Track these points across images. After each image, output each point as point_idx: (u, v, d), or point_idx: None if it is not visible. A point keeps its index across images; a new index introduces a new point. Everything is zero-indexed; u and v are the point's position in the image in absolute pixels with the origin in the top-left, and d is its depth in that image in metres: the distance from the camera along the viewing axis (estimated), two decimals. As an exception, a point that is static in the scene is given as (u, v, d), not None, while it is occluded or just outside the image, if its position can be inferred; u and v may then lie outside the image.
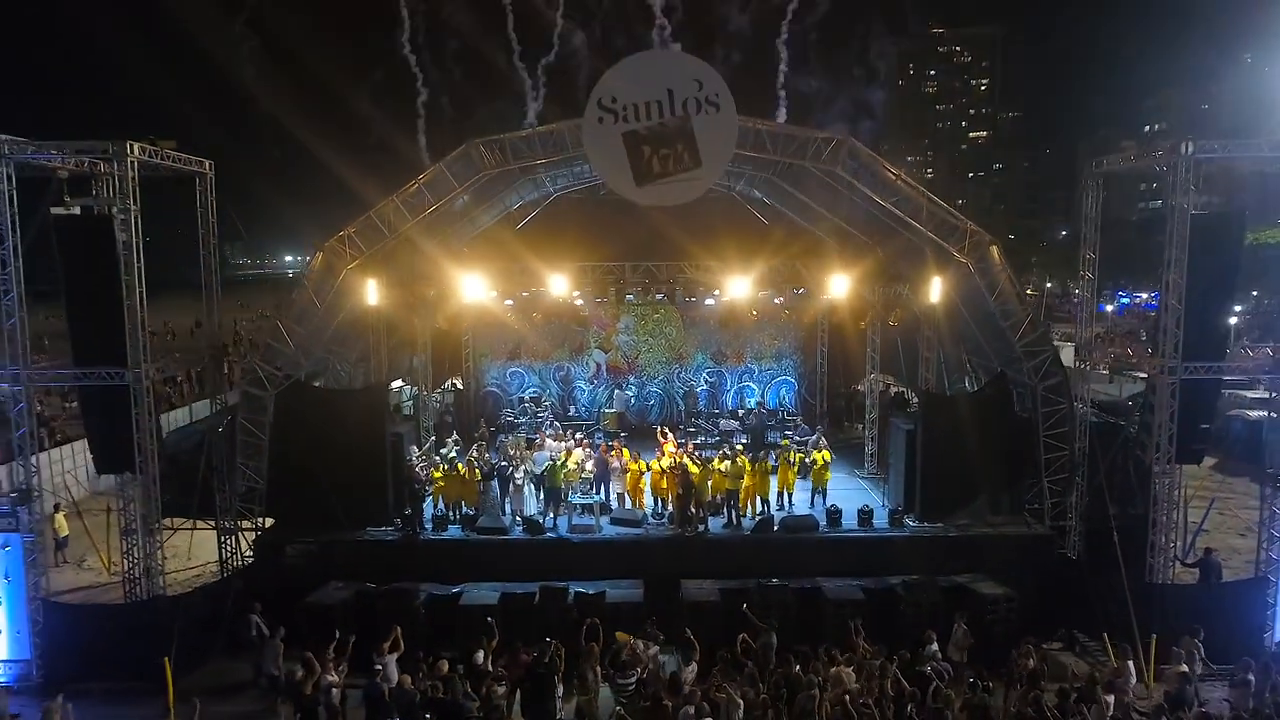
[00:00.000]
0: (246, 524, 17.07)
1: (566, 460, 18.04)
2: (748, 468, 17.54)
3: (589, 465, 18.36)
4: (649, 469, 18.19)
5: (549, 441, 20.01)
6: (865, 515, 17.21)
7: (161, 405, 20.85)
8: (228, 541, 17.03)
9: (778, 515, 17.50)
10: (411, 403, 24.30)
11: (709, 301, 21.82)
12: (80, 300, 14.36)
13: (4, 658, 14.60)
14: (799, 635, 13.70)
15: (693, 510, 16.85)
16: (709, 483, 17.21)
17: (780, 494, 18.31)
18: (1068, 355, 21.80)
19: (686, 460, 17.36)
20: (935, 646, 13.11)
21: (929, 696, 10.97)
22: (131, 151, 13.96)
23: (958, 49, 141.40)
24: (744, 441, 21.66)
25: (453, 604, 15.09)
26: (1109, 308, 63.33)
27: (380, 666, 12.30)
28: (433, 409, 24.00)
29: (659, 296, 21.20)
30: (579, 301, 21.36)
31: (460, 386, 26.23)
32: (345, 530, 16.65)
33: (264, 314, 66.56)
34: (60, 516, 20.03)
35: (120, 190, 14.09)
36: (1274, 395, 15.36)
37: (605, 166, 15.75)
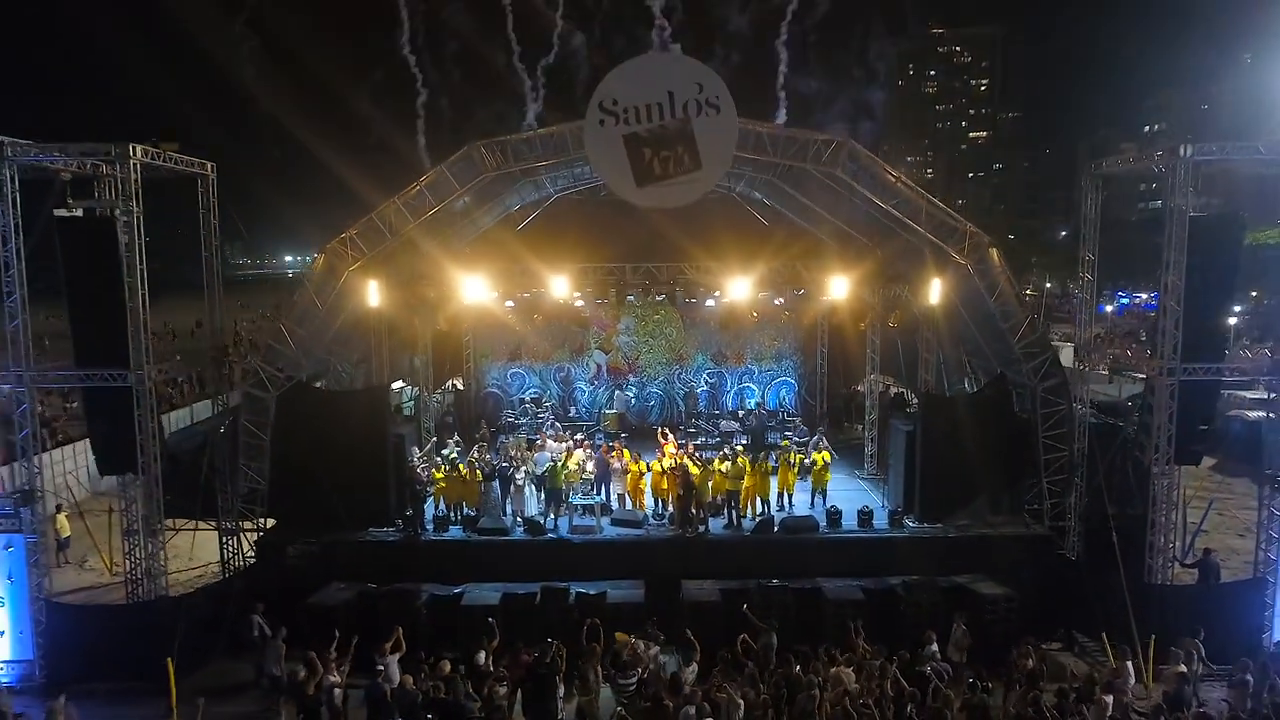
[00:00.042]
0: (248, 525, 17.11)
1: (567, 461, 18.11)
2: (748, 468, 17.59)
3: (589, 466, 18.42)
4: (649, 470, 18.23)
5: (550, 442, 20.06)
6: (865, 516, 17.26)
7: (162, 406, 20.88)
8: (229, 542, 17.08)
9: (778, 516, 17.54)
10: (412, 403, 24.36)
11: (709, 303, 21.88)
12: (83, 302, 14.42)
13: (7, 658, 14.65)
14: (799, 636, 13.72)
15: (693, 511, 16.90)
16: (709, 484, 17.26)
17: (780, 495, 18.35)
18: (1067, 356, 21.87)
19: (687, 461, 17.41)
20: (935, 647, 13.16)
21: (928, 697, 11.02)
22: (134, 154, 14.02)
23: (957, 49, 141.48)
24: (744, 442, 21.72)
25: (454, 604, 15.12)
26: (1109, 308, 63.39)
27: (382, 667, 12.34)
28: (434, 410, 24.04)
29: (660, 298, 21.26)
30: (579, 303, 21.41)
31: (461, 387, 26.28)
32: (347, 531, 16.70)
33: (264, 314, 66.69)
34: (62, 517, 20.08)
35: (123, 192, 14.15)
36: (1272, 396, 15.41)
37: (606, 168, 15.80)
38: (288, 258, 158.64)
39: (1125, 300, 70.34)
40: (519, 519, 17.44)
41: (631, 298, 21.32)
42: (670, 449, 18.92)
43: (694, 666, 12.16)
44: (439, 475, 17.91)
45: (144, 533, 15.23)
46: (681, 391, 26.11)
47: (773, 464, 18.31)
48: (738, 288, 19.08)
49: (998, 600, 14.98)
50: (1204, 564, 15.78)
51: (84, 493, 23.73)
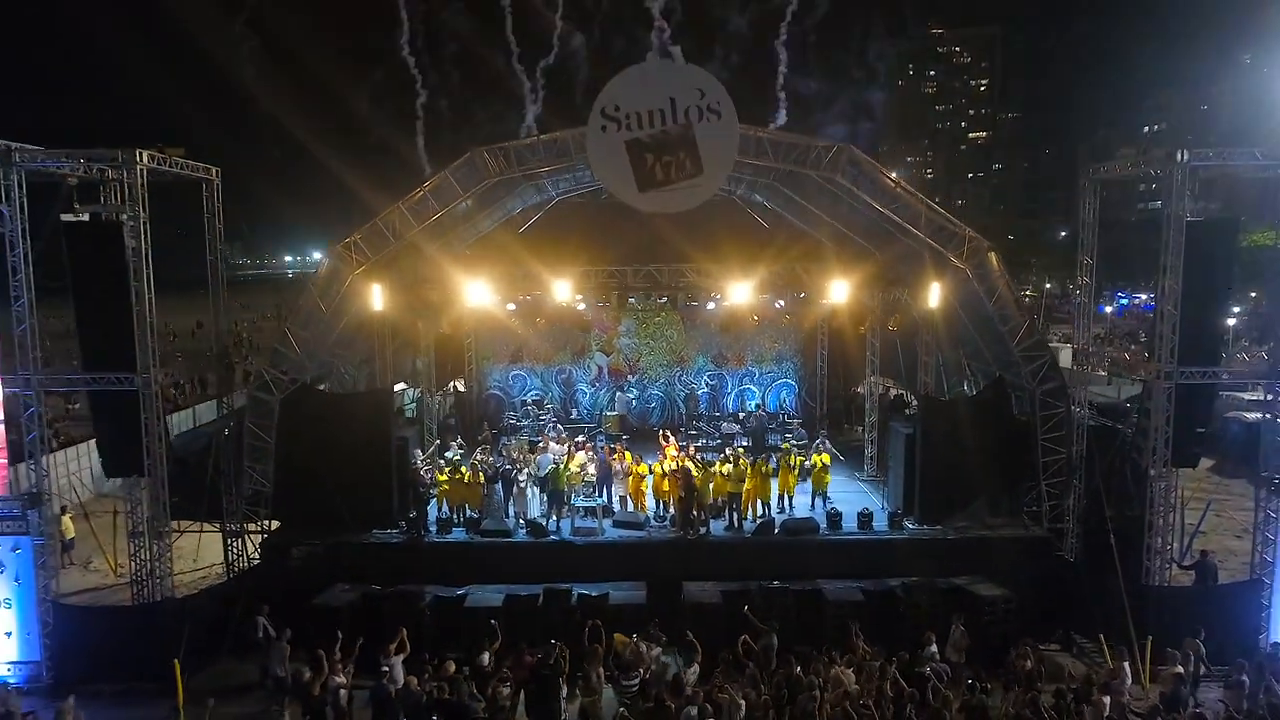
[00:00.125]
0: (252, 526, 17.22)
1: (569, 463, 18.22)
2: (749, 471, 17.71)
3: (591, 468, 18.53)
4: (651, 472, 18.34)
5: (552, 444, 20.17)
6: (865, 518, 17.38)
7: (165, 407, 21.01)
8: (234, 544, 17.20)
9: (778, 518, 17.66)
10: (414, 405, 24.47)
11: (710, 305, 22.01)
12: (89, 305, 14.55)
13: (14, 659, 14.77)
14: (799, 637, 13.83)
15: (695, 513, 17.01)
16: (710, 486, 17.37)
17: (781, 497, 18.47)
18: (1066, 357, 21.98)
19: (688, 463, 17.53)
20: (934, 648, 13.29)
21: (927, 697, 11.14)
22: (141, 159, 14.16)
23: (957, 49, 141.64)
24: (744, 444, 21.86)
25: (457, 606, 15.23)
26: (1108, 309, 63.48)
27: (387, 668, 12.45)
28: (435, 411, 24.16)
29: (661, 299, 21.37)
30: (581, 306, 21.53)
31: (462, 389, 26.39)
32: (350, 533, 16.80)
33: (265, 315, 66.89)
34: (66, 519, 20.19)
35: (130, 197, 14.27)
36: (1269, 398, 15.54)
37: (609, 174, 15.93)
38: (287, 258, 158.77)
39: (1125, 301, 70.42)
40: (521, 521, 17.56)
41: (633, 300, 21.44)
42: (671, 451, 19.03)
43: (695, 667, 12.25)
44: (442, 477, 18.01)
45: (149, 534, 15.34)
46: (682, 393, 26.23)
47: (773, 466, 18.43)
48: (738, 291, 19.21)
49: (996, 601, 15.06)
50: (1201, 565, 15.90)
51: (88, 494, 23.87)
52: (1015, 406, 17.48)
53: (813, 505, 18.54)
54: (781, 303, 21.83)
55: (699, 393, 26.08)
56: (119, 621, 15.23)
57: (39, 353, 14.56)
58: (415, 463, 18.73)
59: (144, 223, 14.33)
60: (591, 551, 16.66)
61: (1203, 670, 13.15)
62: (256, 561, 17.11)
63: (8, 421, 15.05)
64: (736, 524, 17.54)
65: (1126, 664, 12.81)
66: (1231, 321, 41.53)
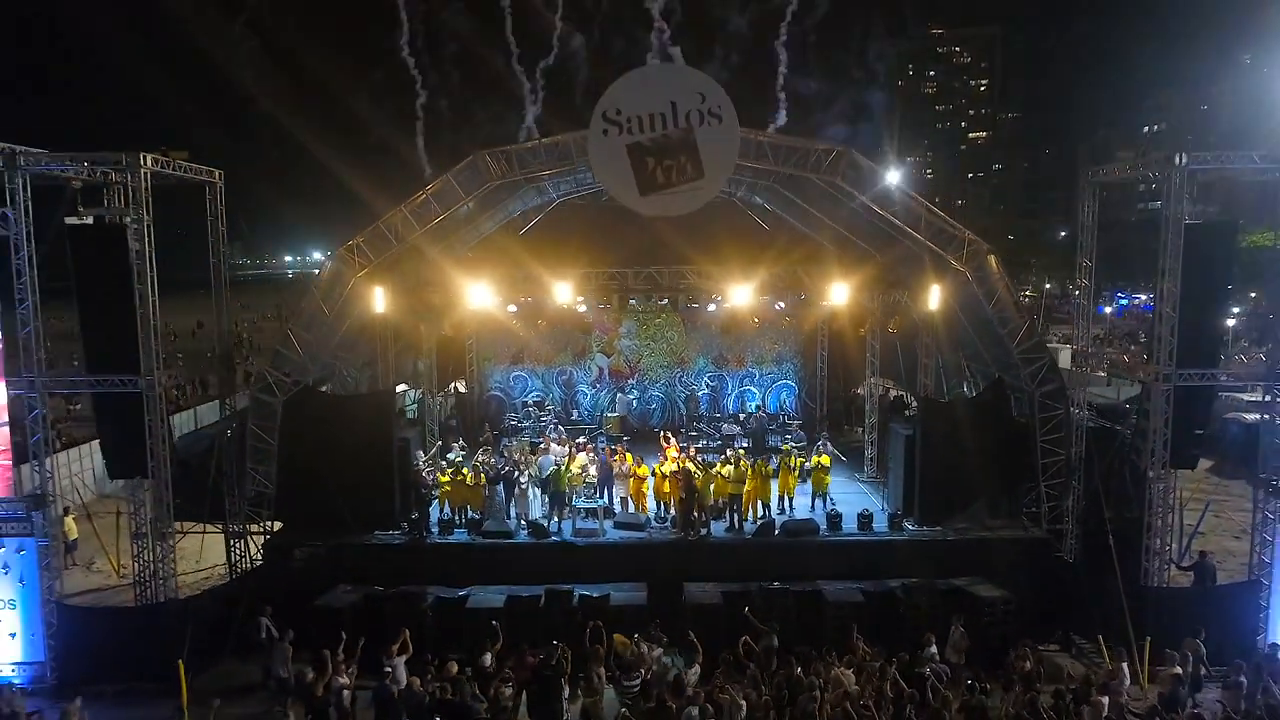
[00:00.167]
0: (255, 527, 17.28)
1: (570, 465, 18.30)
2: (749, 472, 17.78)
3: (592, 470, 18.60)
4: (652, 474, 18.40)
5: (553, 446, 20.25)
6: (865, 519, 17.45)
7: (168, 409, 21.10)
8: (236, 545, 17.27)
9: (779, 519, 17.73)
10: (415, 406, 24.54)
11: (710, 307, 22.08)
12: (93, 308, 14.61)
13: (18, 660, 14.84)
14: (800, 637, 13.89)
15: (695, 514, 17.09)
16: (711, 487, 17.45)
17: (781, 498, 18.55)
18: (1066, 357, 22.04)
19: (689, 465, 17.60)
20: (934, 648, 13.36)
21: (927, 698, 11.21)
22: (145, 163, 14.22)
23: (957, 49, 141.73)
24: (745, 445, 21.93)
25: (459, 607, 15.29)
26: (1108, 309, 63.58)
27: (389, 669, 12.52)
28: (437, 413, 24.22)
29: (662, 301, 21.44)
30: (582, 308, 21.59)
31: (463, 390, 26.46)
32: (353, 534, 16.87)
33: (266, 315, 66.99)
34: (69, 520, 20.23)
35: (133, 200, 14.34)
36: (1267, 399, 15.62)
37: (610, 178, 16.00)
38: (287, 258, 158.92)
39: (1124, 301, 70.49)
40: (523, 522, 17.63)
41: (633, 302, 21.51)
42: (672, 453, 19.10)
43: (696, 668, 12.32)
44: (444, 479, 18.10)
45: (152, 536, 15.41)
46: (683, 394, 26.30)
47: (773, 467, 18.50)
48: (739, 293, 19.28)
49: (996, 603, 15.13)
50: (1200, 566, 15.98)
51: (90, 495, 23.94)
52: (1015, 408, 17.55)
53: (813, 506, 18.60)
54: (782, 304, 21.91)
55: (699, 394, 26.14)
56: (122, 622, 15.29)
57: (43, 355, 14.63)
58: (417, 464, 18.82)
59: (148, 226, 14.40)
60: (593, 552, 16.72)
61: (1203, 671, 13.22)
62: (259, 563, 17.17)
63: (11, 423, 15.12)
64: (737, 525, 17.62)
65: (1125, 665, 12.88)
66: (1231, 322, 41.62)
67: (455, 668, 12.34)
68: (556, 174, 18.50)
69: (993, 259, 16.82)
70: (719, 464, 18.15)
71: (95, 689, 13.85)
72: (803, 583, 15.67)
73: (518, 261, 19.97)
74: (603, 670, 12.40)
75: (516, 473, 18.20)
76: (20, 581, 14.71)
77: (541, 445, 20.63)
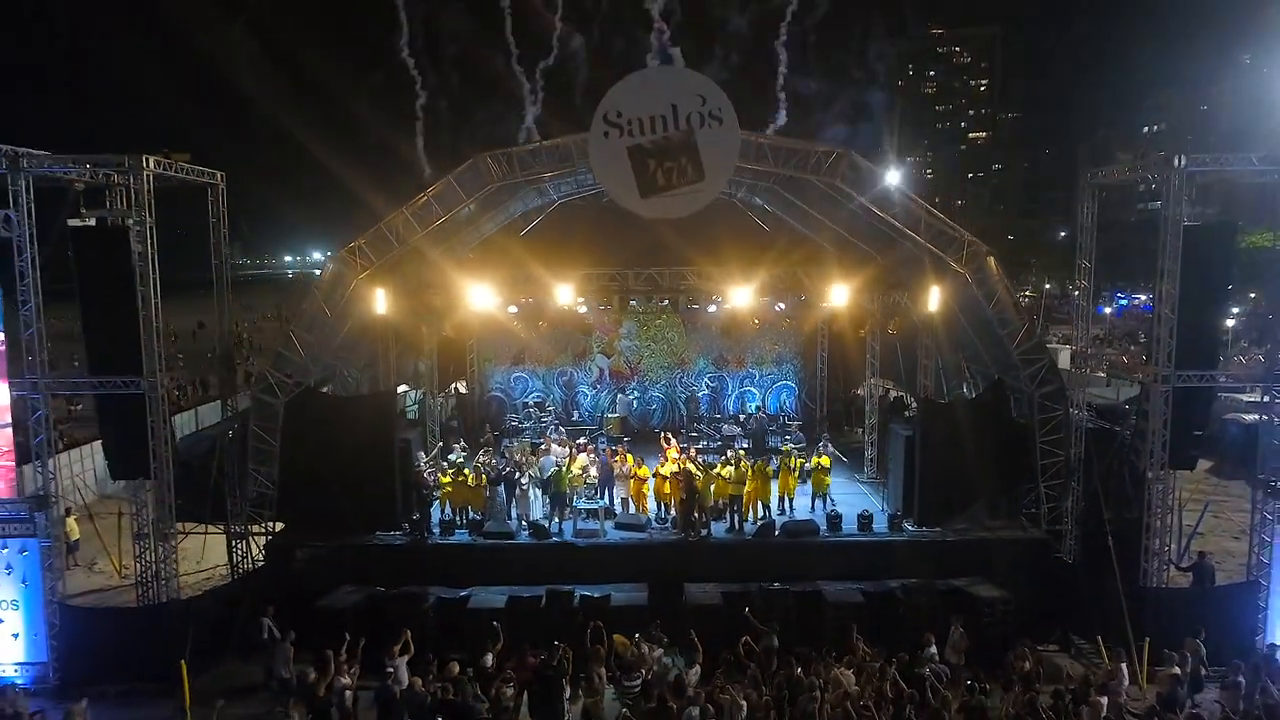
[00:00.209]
0: (257, 528, 17.33)
1: (571, 465, 18.35)
2: (749, 472, 17.83)
3: (593, 471, 18.65)
4: (653, 475, 18.45)
5: (554, 446, 20.30)
6: (865, 520, 17.49)
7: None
8: (238, 545, 17.32)
9: (779, 520, 17.79)
10: (416, 407, 24.59)
11: (711, 308, 22.13)
12: (96, 310, 14.65)
13: (21, 660, 14.89)
14: (800, 638, 13.96)
15: (696, 515, 17.14)
16: (712, 488, 17.50)
17: (781, 499, 18.60)
18: (1065, 358, 22.10)
19: (690, 466, 17.65)
20: (933, 649, 13.41)
21: (927, 698, 11.25)
22: (147, 165, 14.27)
23: (957, 49, 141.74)
24: (745, 446, 21.98)
25: (461, 607, 15.35)
26: (1107, 309, 63.62)
27: (391, 669, 12.57)
28: (438, 413, 24.26)
29: (663, 302, 21.48)
30: (583, 309, 21.63)
31: (464, 390, 26.51)
32: (354, 534, 16.93)
33: (266, 316, 67.04)
34: (71, 520, 20.27)
35: (136, 202, 14.39)
36: (1266, 400, 15.67)
37: (611, 180, 16.06)
38: (287, 258, 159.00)
39: (1124, 301, 70.53)
40: (524, 523, 17.68)
41: (634, 303, 21.57)
42: (673, 454, 19.14)
43: (697, 668, 12.37)
44: (445, 479, 18.15)
45: (154, 536, 15.46)
46: (683, 395, 26.34)
47: (774, 468, 18.55)
48: (739, 294, 19.33)
49: (995, 603, 15.18)
50: (1198, 567, 16.03)
51: (92, 496, 23.98)
52: (1014, 409, 17.60)
53: (813, 507, 18.65)
54: (782, 306, 21.96)
55: (700, 395, 26.19)
56: (124, 623, 15.34)
57: (46, 356, 14.68)
58: (418, 465, 18.87)
59: (150, 227, 14.45)
60: (593, 553, 16.77)
61: (1204, 671, 13.26)
62: (261, 563, 17.22)
63: (14, 424, 15.16)
64: (737, 526, 17.67)
65: (1124, 665, 12.93)
66: (1230, 322, 41.68)
67: (457, 668, 12.38)
68: (557, 176, 18.55)
69: (992, 261, 16.87)
70: (719, 465, 18.19)
71: (97, 689, 13.88)
72: (803, 583, 15.73)
73: (519, 263, 20.01)
74: (604, 670, 12.45)
75: (517, 473, 18.25)
76: (23, 582, 14.76)
77: (543, 446, 20.68)
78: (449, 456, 20.29)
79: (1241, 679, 12.38)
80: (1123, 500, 16.48)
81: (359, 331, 18.89)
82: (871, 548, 17.02)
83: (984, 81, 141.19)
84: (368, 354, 20.73)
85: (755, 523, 17.72)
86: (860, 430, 23.64)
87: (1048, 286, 76.65)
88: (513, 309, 21.67)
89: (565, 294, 19.39)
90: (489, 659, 12.94)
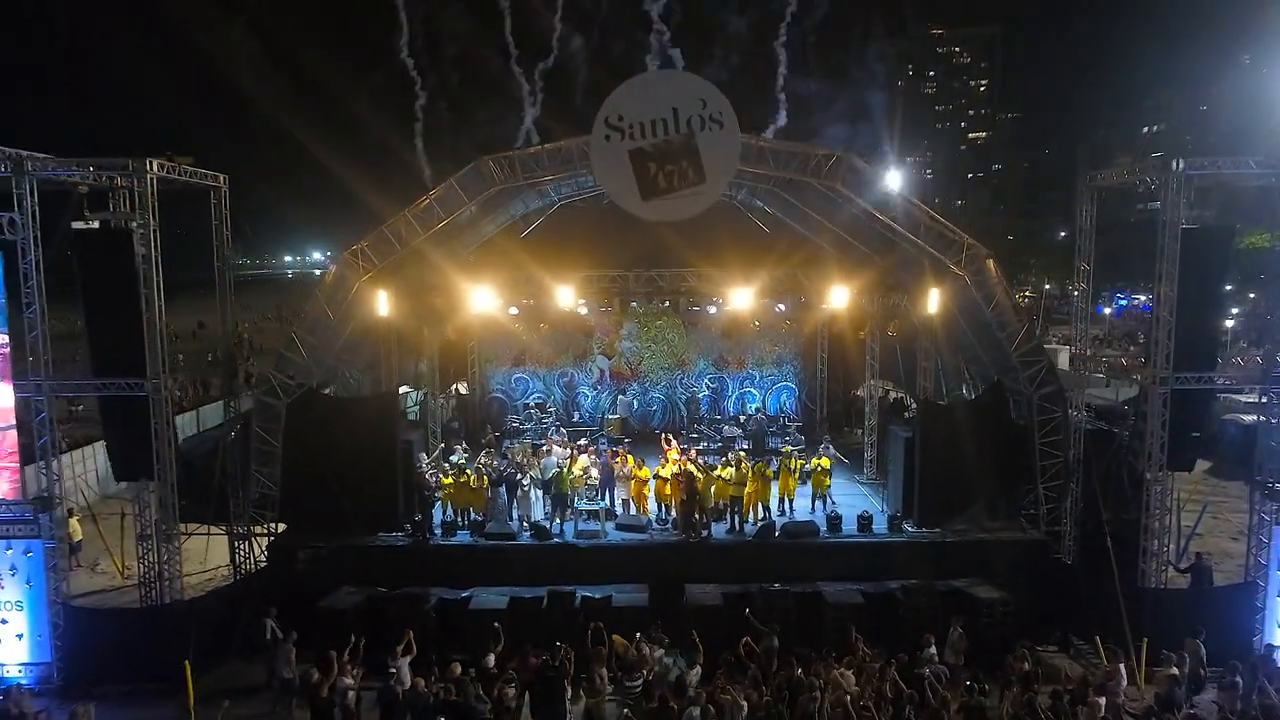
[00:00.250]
0: (259, 529, 17.41)
1: (572, 466, 18.42)
2: (750, 474, 17.90)
3: (594, 472, 18.72)
4: (654, 476, 18.52)
5: (556, 447, 20.38)
6: (864, 521, 17.57)
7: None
8: (241, 546, 17.39)
9: (779, 521, 17.86)
10: (417, 408, 24.65)
11: (711, 310, 22.19)
12: (100, 312, 14.76)
13: (25, 660, 14.97)
14: (800, 639, 14.02)
15: (696, 516, 17.21)
16: (712, 489, 17.57)
17: (781, 500, 18.66)
18: (1065, 358, 22.15)
19: (691, 467, 17.72)
20: (933, 649, 13.49)
21: (926, 698, 11.33)
22: (151, 169, 14.35)
23: (957, 49, 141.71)
24: (745, 447, 22.05)
25: (462, 608, 15.42)
26: (1107, 310, 63.68)
27: (394, 670, 12.65)
28: (439, 414, 24.34)
29: (664, 304, 21.54)
30: (583, 310, 21.69)
31: (464, 391, 26.57)
32: (356, 535, 17.01)
33: (267, 316, 67.11)
34: (74, 521, 20.35)
35: (139, 205, 14.46)
36: (1263, 401, 15.75)
37: (612, 183, 16.14)
38: (287, 258, 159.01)
39: (1124, 301, 70.60)
40: (525, 524, 17.76)
41: (634, 304, 21.63)
42: (673, 455, 19.21)
43: (698, 669, 12.45)
44: (447, 480, 18.22)
45: (157, 537, 15.53)
46: (683, 396, 26.40)
47: (774, 470, 18.62)
48: (740, 296, 19.40)
49: (994, 604, 15.26)
50: (1196, 568, 16.11)
51: (94, 496, 24.04)
52: (1013, 411, 17.68)
53: (813, 508, 18.73)
54: (782, 307, 22.02)
55: (700, 396, 26.25)
56: (128, 623, 15.42)
57: (50, 358, 14.75)
58: (420, 466, 18.93)
59: (154, 230, 14.52)
60: (595, 554, 16.85)
61: (1203, 672, 13.33)
62: (263, 564, 17.30)
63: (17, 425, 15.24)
64: (738, 527, 17.74)
65: (1122, 665, 13.02)
66: (1230, 323, 41.78)
67: (459, 669, 12.45)
68: (559, 178, 18.63)
69: (991, 264, 16.94)
70: (720, 466, 18.27)
71: (101, 689, 13.98)
72: (803, 584, 15.80)
73: (520, 264, 20.08)
74: (605, 671, 12.53)
75: (519, 475, 18.32)
76: (27, 583, 14.85)
77: (544, 447, 20.75)
78: (451, 458, 20.36)
79: (1239, 679, 12.46)
80: (1121, 501, 16.55)
81: (361, 333, 18.95)
82: (871, 549, 17.09)
83: (984, 81, 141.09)
84: (369, 355, 20.79)
85: (755, 524, 17.79)
86: (860, 431, 23.71)
87: (1047, 287, 76.72)
88: (513, 310, 21.73)
89: (566, 296, 19.45)
90: (491, 660, 13.01)
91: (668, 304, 21.50)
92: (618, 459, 19.26)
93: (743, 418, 24.99)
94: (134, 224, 14.58)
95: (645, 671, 12.49)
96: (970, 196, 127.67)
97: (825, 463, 18.98)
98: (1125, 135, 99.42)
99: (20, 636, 14.93)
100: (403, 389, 23.59)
